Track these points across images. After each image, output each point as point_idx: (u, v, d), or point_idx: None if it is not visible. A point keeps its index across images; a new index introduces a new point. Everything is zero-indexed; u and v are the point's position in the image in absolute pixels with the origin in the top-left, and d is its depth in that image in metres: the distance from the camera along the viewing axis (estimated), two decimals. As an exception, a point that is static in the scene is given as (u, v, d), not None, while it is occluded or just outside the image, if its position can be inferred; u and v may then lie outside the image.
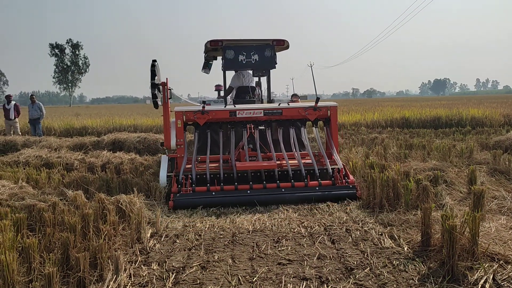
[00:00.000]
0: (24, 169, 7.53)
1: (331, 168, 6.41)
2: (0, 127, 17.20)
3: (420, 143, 9.96)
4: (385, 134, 13.59)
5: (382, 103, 38.61)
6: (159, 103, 6.49)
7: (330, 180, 6.24)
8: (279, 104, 7.01)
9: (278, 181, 6.13)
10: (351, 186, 6.09)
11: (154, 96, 6.31)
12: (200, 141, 7.00)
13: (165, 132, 6.61)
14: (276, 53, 8.09)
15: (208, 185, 6.01)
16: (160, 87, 6.47)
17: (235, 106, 6.86)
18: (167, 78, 6.56)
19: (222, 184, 6.03)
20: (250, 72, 8.60)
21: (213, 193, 5.89)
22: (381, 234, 4.43)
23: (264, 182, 6.11)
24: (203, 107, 6.58)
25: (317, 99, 6.90)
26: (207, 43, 7.91)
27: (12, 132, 14.43)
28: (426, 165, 7.09)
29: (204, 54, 8.69)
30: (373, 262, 3.73)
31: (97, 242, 3.66)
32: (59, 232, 3.99)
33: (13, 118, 14.45)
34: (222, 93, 9.34)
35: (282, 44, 7.93)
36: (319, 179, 6.20)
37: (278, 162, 6.51)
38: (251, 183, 6.07)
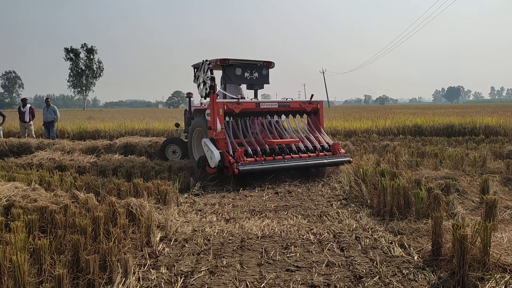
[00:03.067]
0: (37, 171, 7.63)
1: (327, 144, 8.83)
2: (15, 129, 17.47)
3: (432, 151, 9.86)
4: (397, 142, 13.47)
5: (394, 110, 38.35)
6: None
7: (330, 152, 8.61)
8: (286, 99, 9.29)
9: (299, 153, 8.33)
10: (346, 155, 8.70)
11: (211, 88, 8.06)
12: (232, 125, 8.68)
13: (212, 119, 8.13)
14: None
15: (255, 157, 7.87)
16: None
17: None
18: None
19: (264, 156, 7.98)
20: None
21: (263, 162, 7.79)
22: (391, 243, 4.39)
23: (291, 154, 8.21)
24: (238, 99, 8.56)
25: (312, 96, 9.40)
26: (217, 60, 9.14)
27: (26, 135, 14.65)
28: (438, 173, 7.02)
29: (194, 68, 9.75)
30: (383, 270, 3.70)
31: (107, 245, 3.69)
32: (70, 234, 4.03)
33: (28, 120, 14.67)
34: (192, 100, 10.78)
35: (269, 65, 9.77)
36: (325, 151, 8.56)
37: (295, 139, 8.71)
38: (283, 154, 8.15)
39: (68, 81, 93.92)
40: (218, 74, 9.69)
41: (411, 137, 15.55)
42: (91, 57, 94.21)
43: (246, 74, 9.40)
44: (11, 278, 3.13)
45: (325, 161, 8.35)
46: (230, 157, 7.61)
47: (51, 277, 3.31)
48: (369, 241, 4.51)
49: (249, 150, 7.96)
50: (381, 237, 4.60)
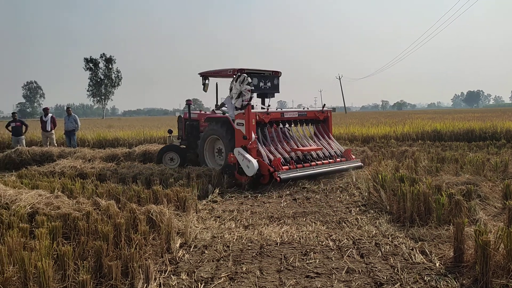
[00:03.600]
0: (59, 179, 7.79)
1: (339, 150, 9.57)
2: (37, 138, 17.86)
3: (453, 156, 9.72)
4: (416, 147, 13.31)
5: (413, 116, 37.88)
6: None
7: (344, 157, 9.35)
8: (303, 108, 10.09)
9: (322, 160, 8.96)
10: (358, 160, 9.51)
11: (250, 99, 8.65)
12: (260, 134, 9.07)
13: (247, 129, 8.55)
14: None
15: (289, 164, 8.41)
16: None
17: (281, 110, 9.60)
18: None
19: (295, 163, 8.54)
20: None
21: (297, 169, 8.36)
22: (412, 249, 4.35)
23: (315, 161, 8.87)
24: (267, 109, 9.09)
25: (324, 105, 10.20)
26: (234, 70, 9.45)
27: (48, 143, 14.97)
28: (459, 179, 6.92)
29: (202, 76, 10.40)
30: (404, 277, 3.66)
31: (128, 251, 3.75)
32: (92, 240, 4.11)
33: (49, 130, 14.99)
34: (192, 106, 11.21)
35: (278, 74, 10.21)
36: (340, 157, 9.31)
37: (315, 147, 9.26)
38: (310, 161, 8.79)
39: (87, 91, 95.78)
40: (226, 82, 10.24)
41: (430, 143, 15.35)
42: (110, 66, 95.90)
43: (261, 84, 9.75)
44: (36, 284, 3.21)
45: (344, 166, 9.06)
46: (269, 166, 8.16)
47: (75, 283, 3.38)
48: (389, 247, 4.47)
49: (282, 158, 8.45)
50: (402, 243, 4.55)
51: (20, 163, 11.63)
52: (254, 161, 8.16)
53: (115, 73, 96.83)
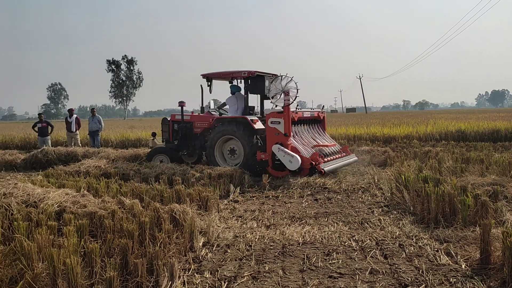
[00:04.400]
0: (84, 178, 7.96)
1: (338, 146, 10.59)
2: (62, 138, 18.28)
3: (478, 157, 9.51)
4: (439, 148, 13.07)
5: (436, 115, 37.26)
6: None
7: (343, 153, 10.39)
8: (312, 109, 11.07)
9: (335, 155, 9.96)
10: (354, 155, 10.87)
11: (295, 98, 9.23)
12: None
13: (287, 126, 9.06)
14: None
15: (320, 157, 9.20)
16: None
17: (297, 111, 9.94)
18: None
19: (323, 156, 9.45)
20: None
21: (328, 162, 9.33)
22: (437, 251, 4.28)
23: (330, 156, 9.76)
24: (296, 108, 9.87)
25: (323, 106, 11.67)
26: (248, 72, 10.00)
27: (73, 144, 15.29)
28: (485, 180, 6.77)
29: (206, 78, 10.75)
30: (429, 279, 3.62)
31: (153, 249, 3.81)
32: (118, 238, 4.19)
33: (74, 130, 15.31)
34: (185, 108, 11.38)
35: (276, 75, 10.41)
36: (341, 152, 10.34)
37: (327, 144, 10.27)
38: (327, 156, 9.66)
39: (109, 92, 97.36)
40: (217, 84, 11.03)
41: (454, 143, 15.05)
42: (131, 68, 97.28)
43: (274, 86, 10.01)
44: (65, 280, 3.29)
45: (351, 160, 10.33)
46: (311, 160, 8.87)
47: (101, 280, 3.45)
48: (414, 248, 4.41)
49: (318, 153, 9.28)
50: (426, 245, 4.49)
51: (46, 163, 11.91)
52: (298, 156, 8.72)
53: (137, 74, 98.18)
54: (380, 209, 6.25)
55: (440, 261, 4.00)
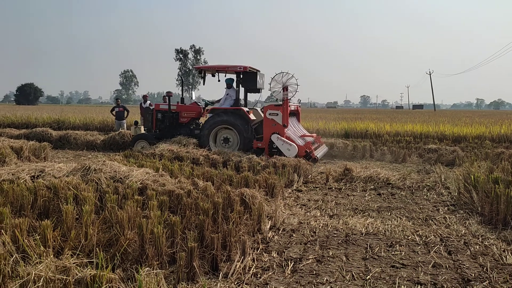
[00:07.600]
0: (160, 160, 8.57)
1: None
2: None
3: (556, 161, 9.00)
4: (514, 150, 12.41)
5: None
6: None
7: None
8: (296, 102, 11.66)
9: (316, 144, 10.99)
10: (325, 145, 12.05)
11: (295, 93, 10.05)
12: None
13: (285, 118, 9.97)
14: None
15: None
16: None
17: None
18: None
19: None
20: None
21: (318, 149, 10.41)
22: (504, 251, 4.28)
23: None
24: (298, 103, 11.62)
25: (299, 100, 12.49)
26: (243, 67, 10.70)
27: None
28: (562, 185, 6.46)
29: (199, 70, 11.75)
30: (493, 276, 3.66)
31: (226, 227, 4.18)
32: (194, 215, 4.61)
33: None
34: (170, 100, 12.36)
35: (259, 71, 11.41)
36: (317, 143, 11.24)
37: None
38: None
39: (176, 80, 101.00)
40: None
41: (531, 146, 14.18)
42: (198, 57, 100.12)
43: (260, 82, 11.17)
44: (152, 246, 3.74)
45: (325, 149, 11.47)
46: (305, 148, 9.72)
47: (182, 249, 3.87)
48: (479, 247, 4.43)
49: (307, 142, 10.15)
50: (492, 244, 4.48)
51: (122, 145, 12.88)
52: (294, 145, 9.69)
53: (203, 64, 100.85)
54: (445, 208, 6.22)
55: (506, 260, 4.01)
